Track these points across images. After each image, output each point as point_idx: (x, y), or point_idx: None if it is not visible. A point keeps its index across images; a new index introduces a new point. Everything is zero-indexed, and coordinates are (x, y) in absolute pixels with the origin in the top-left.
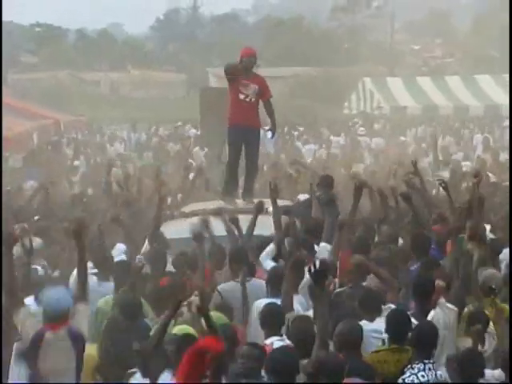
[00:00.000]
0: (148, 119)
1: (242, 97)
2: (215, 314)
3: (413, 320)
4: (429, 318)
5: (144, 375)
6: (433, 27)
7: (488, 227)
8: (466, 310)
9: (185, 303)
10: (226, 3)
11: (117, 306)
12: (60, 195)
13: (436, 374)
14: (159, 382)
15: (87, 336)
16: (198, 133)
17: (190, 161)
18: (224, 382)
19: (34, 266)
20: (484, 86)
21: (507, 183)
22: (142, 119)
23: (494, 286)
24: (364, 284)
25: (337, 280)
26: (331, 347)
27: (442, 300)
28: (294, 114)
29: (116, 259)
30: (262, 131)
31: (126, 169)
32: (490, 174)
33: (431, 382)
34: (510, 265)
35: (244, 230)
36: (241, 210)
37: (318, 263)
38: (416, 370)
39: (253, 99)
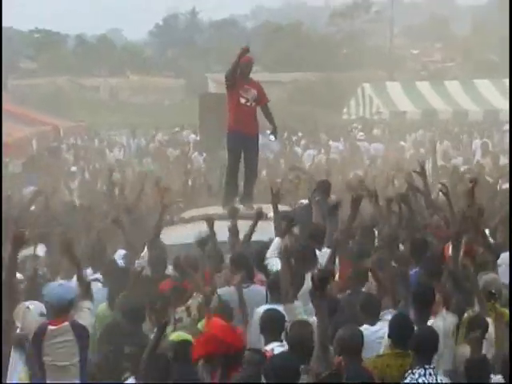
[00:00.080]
0: (147, 125)
1: (243, 101)
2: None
3: None
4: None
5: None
6: (432, 32)
7: (487, 231)
8: (465, 315)
9: (183, 308)
10: (224, 9)
11: (120, 309)
12: (59, 201)
13: (437, 379)
14: None
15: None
16: (197, 138)
17: (189, 166)
18: None
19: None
20: (483, 90)
21: (504, 186)
22: (141, 125)
23: (494, 291)
24: (363, 290)
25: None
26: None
27: (443, 310)
28: (293, 120)
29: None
30: (263, 136)
31: (124, 174)
32: (488, 179)
33: None
34: (509, 269)
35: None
36: (240, 216)
37: (319, 270)
38: (416, 375)
39: (253, 104)
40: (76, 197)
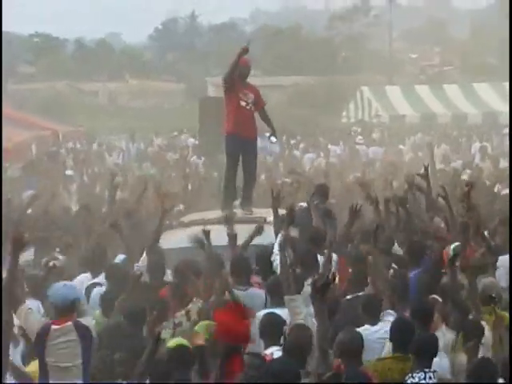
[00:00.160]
0: (146, 129)
1: (243, 104)
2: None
3: None
4: None
5: None
6: (431, 36)
7: (485, 233)
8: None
9: (183, 312)
10: (223, 12)
11: (121, 312)
12: (59, 205)
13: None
14: None
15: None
16: (196, 142)
17: (188, 170)
18: None
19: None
20: (482, 94)
21: (504, 192)
22: (140, 129)
23: (493, 295)
24: (361, 294)
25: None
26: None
27: (442, 326)
28: (292, 123)
29: None
30: (262, 139)
31: (125, 179)
32: (487, 182)
33: None
34: (510, 272)
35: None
36: (240, 220)
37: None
38: (416, 379)
39: (252, 107)
40: (75, 201)
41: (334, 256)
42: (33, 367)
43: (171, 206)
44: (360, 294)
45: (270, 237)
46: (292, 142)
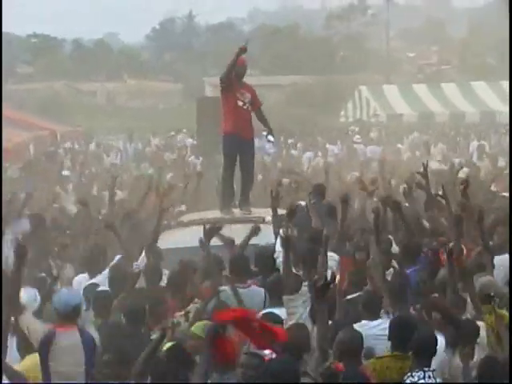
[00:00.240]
0: (144, 129)
1: (240, 104)
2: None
3: None
4: None
5: None
6: (428, 34)
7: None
8: None
9: (182, 313)
10: (221, 12)
11: (121, 311)
12: (57, 206)
13: (436, 382)
14: None
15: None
16: (194, 142)
17: (187, 170)
18: None
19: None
20: (480, 92)
21: (503, 193)
22: (138, 129)
23: (492, 294)
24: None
25: None
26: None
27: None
28: (290, 123)
29: None
30: (259, 139)
31: (123, 179)
32: (485, 180)
33: None
34: (509, 271)
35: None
36: (238, 220)
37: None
38: (416, 378)
39: (249, 107)
40: (72, 201)
41: (335, 255)
42: (28, 362)
43: (169, 205)
44: (360, 293)
45: (266, 237)
46: (290, 141)
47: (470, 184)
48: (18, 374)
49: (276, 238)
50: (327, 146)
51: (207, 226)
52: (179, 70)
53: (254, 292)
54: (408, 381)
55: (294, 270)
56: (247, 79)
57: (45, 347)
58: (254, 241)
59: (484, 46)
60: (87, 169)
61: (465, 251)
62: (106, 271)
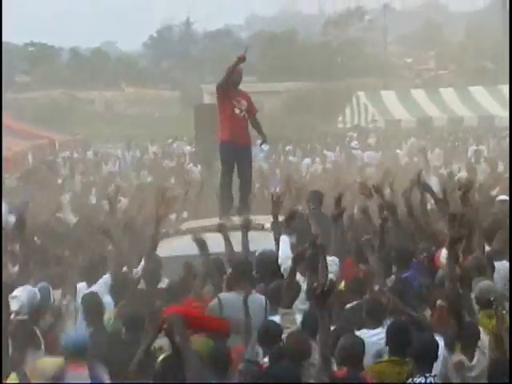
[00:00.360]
0: (143, 136)
1: (237, 111)
2: (201, 340)
3: None
4: None
5: None
6: (426, 39)
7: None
8: None
9: None
10: (218, 19)
11: (120, 318)
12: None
13: None
14: None
15: None
16: (192, 149)
17: (186, 177)
18: None
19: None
20: (478, 97)
21: (501, 197)
22: (136, 137)
23: (492, 298)
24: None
25: None
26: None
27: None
28: (288, 129)
29: None
30: (254, 147)
31: (123, 186)
32: (483, 185)
33: None
34: (510, 275)
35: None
36: (237, 227)
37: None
38: None
39: (246, 115)
40: (70, 210)
41: (337, 259)
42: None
43: (166, 213)
44: (360, 301)
45: (264, 244)
46: (288, 147)
47: (469, 188)
48: None
49: (277, 245)
50: (324, 152)
51: (194, 238)
52: (177, 77)
53: (255, 299)
54: None
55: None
56: (245, 86)
57: None
58: (252, 247)
59: (481, 51)
60: (86, 177)
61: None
62: (102, 279)
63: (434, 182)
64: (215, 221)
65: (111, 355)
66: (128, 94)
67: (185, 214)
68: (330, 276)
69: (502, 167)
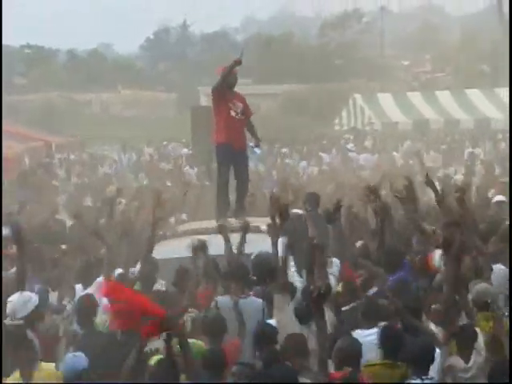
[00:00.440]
0: (140, 138)
1: (233, 114)
2: (192, 342)
3: None
4: None
5: None
6: (423, 42)
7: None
8: None
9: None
10: (215, 21)
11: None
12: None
13: None
14: None
15: None
16: (190, 152)
17: (183, 179)
18: None
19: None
20: (474, 100)
21: (496, 198)
22: (133, 138)
23: (489, 301)
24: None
25: None
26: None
27: None
28: (285, 131)
29: None
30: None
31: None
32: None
33: None
34: (509, 277)
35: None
36: (234, 229)
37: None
38: None
39: (242, 117)
40: (65, 212)
41: (337, 260)
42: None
43: (163, 215)
44: (354, 304)
45: (260, 246)
46: (284, 150)
47: (466, 191)
48: None
49: (273, 245)
50: (320, 154)
51: (194, 244)
52: (174, 79)
53: (252, 302)
54: None
55: (297, 277)
56: (241, 88)
57: None
58: (247, 250)
59: (478, 54)
60: (82, 179)
61: None
62: (96, 281)
63: None
64: (213, 223)
65: (107, 356)
66: (125, 95)
67: (184, 216)
68: (331, 278)
69: (498, 170)
